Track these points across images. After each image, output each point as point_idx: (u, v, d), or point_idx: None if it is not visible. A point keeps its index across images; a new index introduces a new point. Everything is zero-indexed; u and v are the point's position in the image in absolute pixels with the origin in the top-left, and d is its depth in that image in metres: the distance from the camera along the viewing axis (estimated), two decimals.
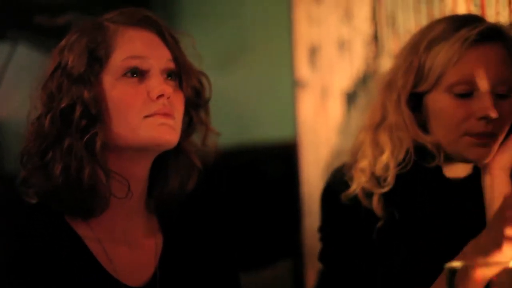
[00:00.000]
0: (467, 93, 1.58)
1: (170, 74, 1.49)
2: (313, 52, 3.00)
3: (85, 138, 1.41)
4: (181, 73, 1.50)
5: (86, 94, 1.41)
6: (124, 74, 1.44)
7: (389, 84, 1.68)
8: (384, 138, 1.66)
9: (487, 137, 1.57)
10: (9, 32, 3.13)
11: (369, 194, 1.65)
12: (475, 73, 1.56)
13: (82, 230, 1.46)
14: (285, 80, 3.22)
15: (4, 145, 2.99)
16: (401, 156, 1.64)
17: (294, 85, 3.13)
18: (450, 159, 1.64)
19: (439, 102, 1.60)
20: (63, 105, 1.42)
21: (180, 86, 1.50)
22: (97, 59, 1.44)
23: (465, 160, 1.63)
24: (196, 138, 1.60)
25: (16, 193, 1.46)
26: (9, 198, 1.53)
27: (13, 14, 3.09)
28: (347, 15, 2.72)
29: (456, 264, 1.14)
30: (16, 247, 1.38)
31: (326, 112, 2.91)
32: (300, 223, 3.08)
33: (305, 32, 3.06)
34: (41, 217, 1.43)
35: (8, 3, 3.09)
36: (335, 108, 2.82)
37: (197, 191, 1.62)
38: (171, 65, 1.48)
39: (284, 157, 3.19)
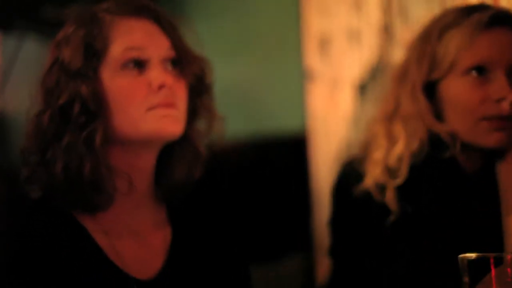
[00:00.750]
0: (482, 76, 1.55)
1: (171, 62, 1.46)
2: (323, 42, 2.97)
3: (83, 135, 1.38)
4: (182, 61, 1.47)
5: (84, 90, 1.39)
6: (124, 66, 1.42)
7: (403, 74, 1.67)
8: (398, 129, 1.64)
9: (504, 121, 1.55)
10: (16, 24, 3.11)
11: (382, 188, 1.63)
12: (489, 55, 1.55)
13: (89, 223, 1.44)
14: (295, 71, 3.19)
15: (12, 140, 2.98)
16: (415, 147, 1.62)
17: (304, 76, 3.11)
18: (466, 149, 1.62)
19: (454, 87, 1.59)
20: (61, 101, 1.40)
21: (182, 73, 1.47)
22: (94, 53, 1.41)
23: (482, 148, 1.61)
24: (202, 125, 1.57)
25: (22, 189, 1.44)
26: (16, 194, 1.52)
27: (20, 6, 3.06)
28: (358, 4, 2.69)
29: (470, 255, 1.12)
30: (22, 242, 1.37)
31: (336, 103, 2.88)
32: (310, 216, 3.06)
33: (315, 23, 3.03)
34: (47, 212, 1.42)
35: None
36: (346, 99, 2.79)
37: (205, 181, 1.60)
38: (171, 53, 1.46)
39: (294, 149, 3.17)
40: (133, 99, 1.40)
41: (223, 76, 1.59)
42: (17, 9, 3.03)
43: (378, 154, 1.65)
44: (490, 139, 1.57)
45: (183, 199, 1.57)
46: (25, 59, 3.02)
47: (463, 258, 1.13)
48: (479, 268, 1.11)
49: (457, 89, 1.59)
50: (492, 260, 1.10)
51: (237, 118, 1.99)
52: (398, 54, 2.29)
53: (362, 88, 2.67)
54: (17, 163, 1.48)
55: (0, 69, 3.04)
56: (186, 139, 1.52)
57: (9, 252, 1.37)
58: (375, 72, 2.56)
